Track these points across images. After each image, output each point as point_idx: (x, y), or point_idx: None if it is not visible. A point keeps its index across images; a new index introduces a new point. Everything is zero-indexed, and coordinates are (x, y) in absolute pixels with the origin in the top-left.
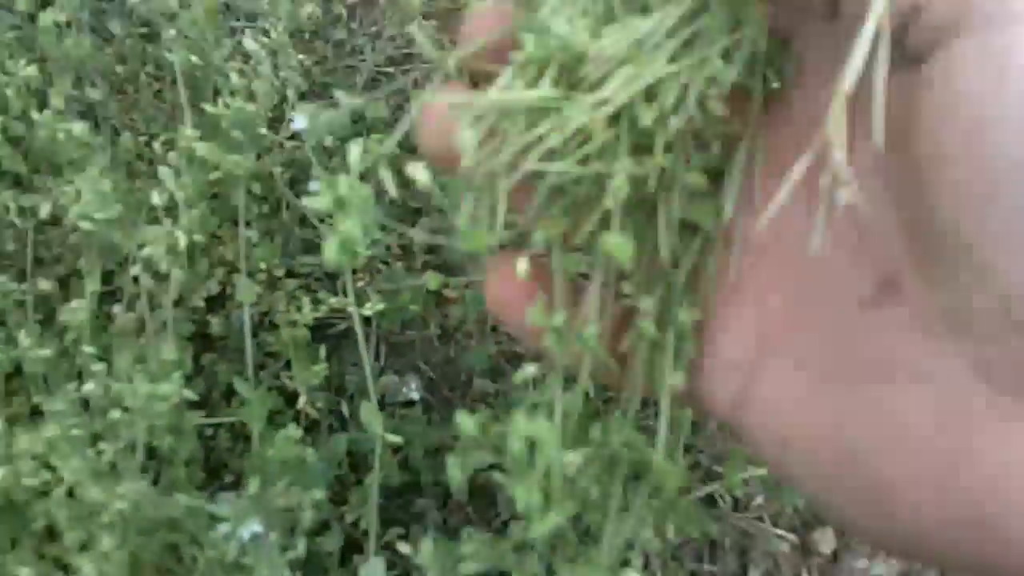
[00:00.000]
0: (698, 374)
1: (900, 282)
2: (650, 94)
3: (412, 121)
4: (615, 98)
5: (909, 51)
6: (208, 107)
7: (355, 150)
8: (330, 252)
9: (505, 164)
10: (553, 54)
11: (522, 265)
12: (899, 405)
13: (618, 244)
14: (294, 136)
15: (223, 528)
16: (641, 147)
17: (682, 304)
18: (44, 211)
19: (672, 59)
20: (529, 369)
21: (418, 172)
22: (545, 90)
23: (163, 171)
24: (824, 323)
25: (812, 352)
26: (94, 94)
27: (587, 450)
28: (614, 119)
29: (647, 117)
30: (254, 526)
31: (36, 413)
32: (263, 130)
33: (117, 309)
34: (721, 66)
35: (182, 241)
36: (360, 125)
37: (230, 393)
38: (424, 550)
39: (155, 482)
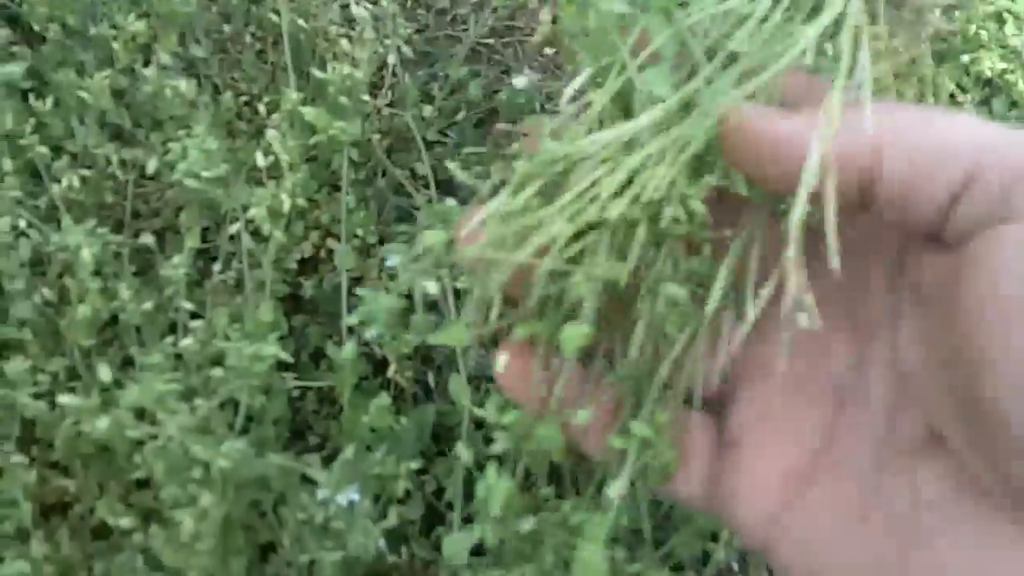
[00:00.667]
0: (727, 493)
1: (944, 436)
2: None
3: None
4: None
5: (949, 236)
6: (317, 72)
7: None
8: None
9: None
10: (542, 170)
11: (502, 359)
12: (939, 552)
13: (575, 334)
14: (392, 103)
15: (321, 493)
16: (624, 250)
17: (654, 409)
18: (151, 166)
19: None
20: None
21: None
22: (522, 198)
23: (271, 133)
24: (862, 464)
25: (846, 491)
26: (197, 51)
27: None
28: (595, 225)
29: (617, 210)
30: (352, 493)
31: (127, 364)
32: (365, 97)
33: (215, 267)
34: (694, 161)
35: (286, 204)
36: (460, 96)
37: (318, 355)
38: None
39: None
